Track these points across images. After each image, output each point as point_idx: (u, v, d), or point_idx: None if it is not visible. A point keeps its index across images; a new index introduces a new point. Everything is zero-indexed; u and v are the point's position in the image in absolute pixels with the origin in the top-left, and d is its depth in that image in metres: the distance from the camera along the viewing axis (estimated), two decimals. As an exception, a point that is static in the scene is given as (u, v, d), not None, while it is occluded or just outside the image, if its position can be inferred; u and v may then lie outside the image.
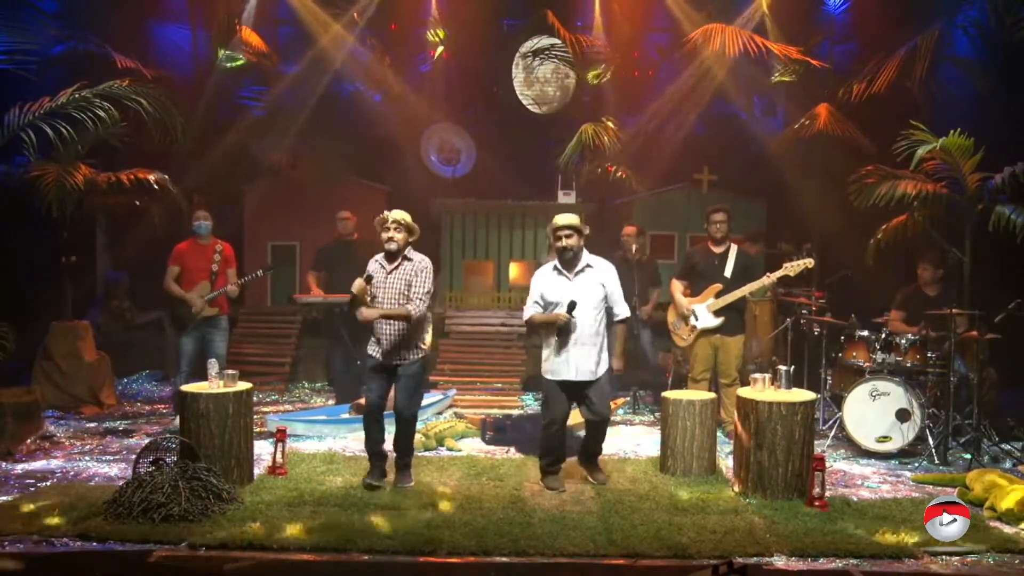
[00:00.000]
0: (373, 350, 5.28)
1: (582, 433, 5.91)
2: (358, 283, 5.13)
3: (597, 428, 5.33)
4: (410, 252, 5.29)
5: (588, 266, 5.20)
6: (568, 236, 5.11)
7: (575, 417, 5.76)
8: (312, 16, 9.96)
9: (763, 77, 9.86)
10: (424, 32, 10.84)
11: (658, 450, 5.81)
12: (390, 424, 5.34)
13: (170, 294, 6.98)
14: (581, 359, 5.13)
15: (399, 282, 5.20)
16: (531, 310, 5.30)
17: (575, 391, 5.23)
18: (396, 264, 5.23)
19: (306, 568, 4.05)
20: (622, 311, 5.32)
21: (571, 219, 5.16)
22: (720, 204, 6.79)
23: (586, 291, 5.14)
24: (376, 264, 5.32)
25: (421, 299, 5.19)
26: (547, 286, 5.23)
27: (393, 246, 5.19)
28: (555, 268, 5.24)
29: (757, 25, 9.47)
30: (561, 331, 5.10)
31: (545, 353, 5.27)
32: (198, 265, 6.98)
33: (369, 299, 5.19)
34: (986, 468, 5.62)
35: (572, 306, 5.04)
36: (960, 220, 6.73)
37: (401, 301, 5.17)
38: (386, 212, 5.29)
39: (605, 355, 5.24)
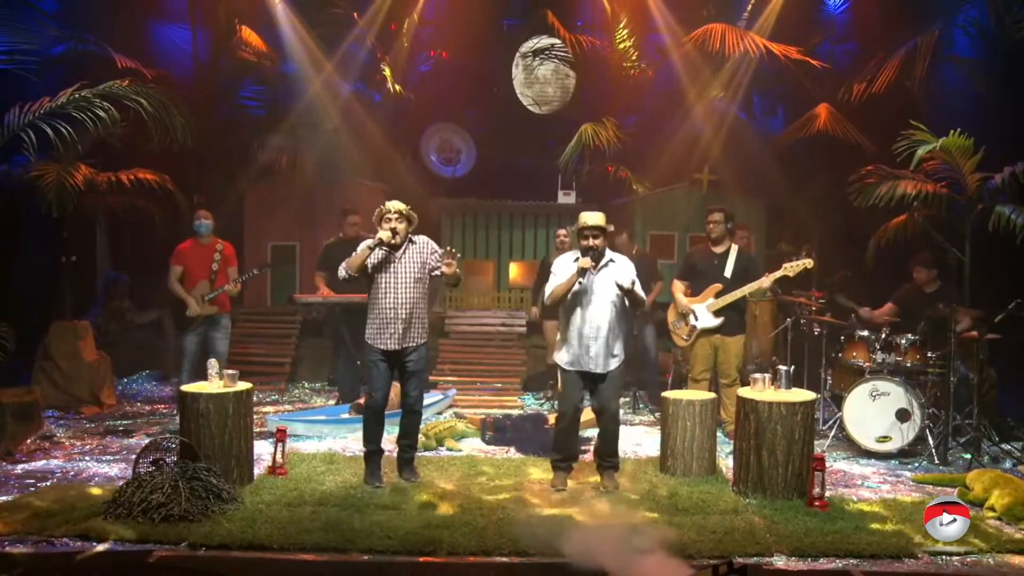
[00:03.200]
0: (377, 340, 5.17)
1: (589, 433, 5.92)
2: (385, 233, 5.06)
3: (606, 424, 5.35)
4: (412, 237, 5.28)
5: (611, 260, 5.32)
6: (595, 237, 5.23)
7: (586, 415, 5.78)
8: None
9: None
10: (425, 32, 10.85)
11: (658, 450, 5.80)
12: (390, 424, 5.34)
13: (172, 294, 7.01)
14: (599, 350, 5.19)
15: (412, 264, 5.19)
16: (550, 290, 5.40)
17: (589, 383, 5.30)
18: (403, 250, 5.20)
19: (306, 568, 4.05)
20: (641, 295, 5.43)
21: (599, 219, 5.26)
22: (718, 204, 6.78)
23: (607, 284, 5.23)
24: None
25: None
26: (571, 272, 5.28)
27: (397, 238, 5.16)
28: (578, 259, 5.31)
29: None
30: (581, 300, 5.17)
31: (561, 344, 5.33)
32: (199, 265, 7.01)
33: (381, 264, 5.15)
34: (986, 468, 5.62)
35: (584, 253, 5.15)
36: (960, 220, 6.74)
37: (418, 276, 5.18)
38: (386, 203, 5.23)
39: (620, 350, 5.31)
